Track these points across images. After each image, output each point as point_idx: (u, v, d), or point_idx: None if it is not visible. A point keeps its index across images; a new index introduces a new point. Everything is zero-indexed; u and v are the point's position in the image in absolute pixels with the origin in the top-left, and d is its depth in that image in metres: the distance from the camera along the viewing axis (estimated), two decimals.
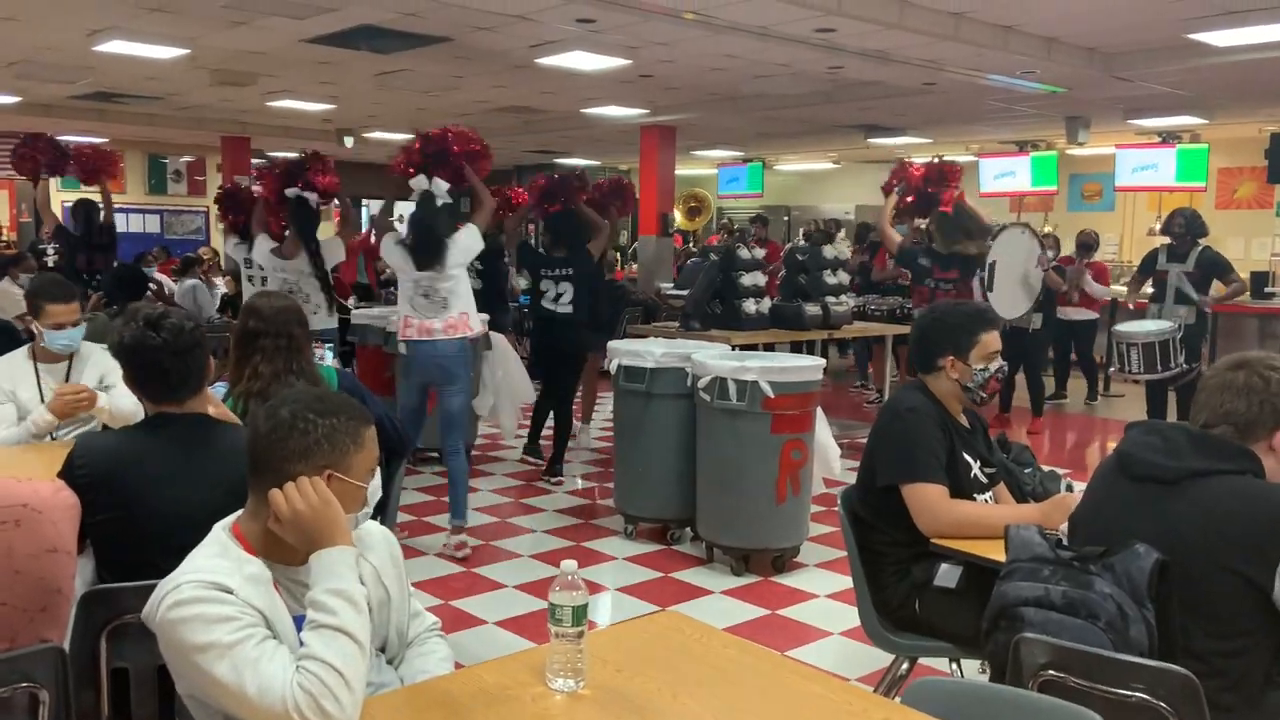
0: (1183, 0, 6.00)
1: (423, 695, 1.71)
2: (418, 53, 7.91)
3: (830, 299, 6.91)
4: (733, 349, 5.30)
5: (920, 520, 2.64)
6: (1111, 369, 7.79)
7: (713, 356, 4.70)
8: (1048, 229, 13.41)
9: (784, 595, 4.40)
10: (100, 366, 3.49)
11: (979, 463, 2.81)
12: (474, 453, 6.74)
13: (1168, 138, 11.15)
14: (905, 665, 2.88)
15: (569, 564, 1.69)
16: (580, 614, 1.66)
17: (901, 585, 2.77)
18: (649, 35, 7.09)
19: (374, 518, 3.16)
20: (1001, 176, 12.45)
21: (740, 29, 6.59)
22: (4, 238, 14.20)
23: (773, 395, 4.44)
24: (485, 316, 6.59)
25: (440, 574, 4.57)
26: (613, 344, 5.17)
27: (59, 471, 2.19)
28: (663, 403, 4.89)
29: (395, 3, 6.36)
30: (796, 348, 6.68)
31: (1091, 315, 9.16)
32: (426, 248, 4.83)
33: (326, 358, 3.27)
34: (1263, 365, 2.00)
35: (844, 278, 7.18)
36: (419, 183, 4.96)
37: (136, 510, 2.13)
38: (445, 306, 4.84)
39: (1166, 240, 7.22)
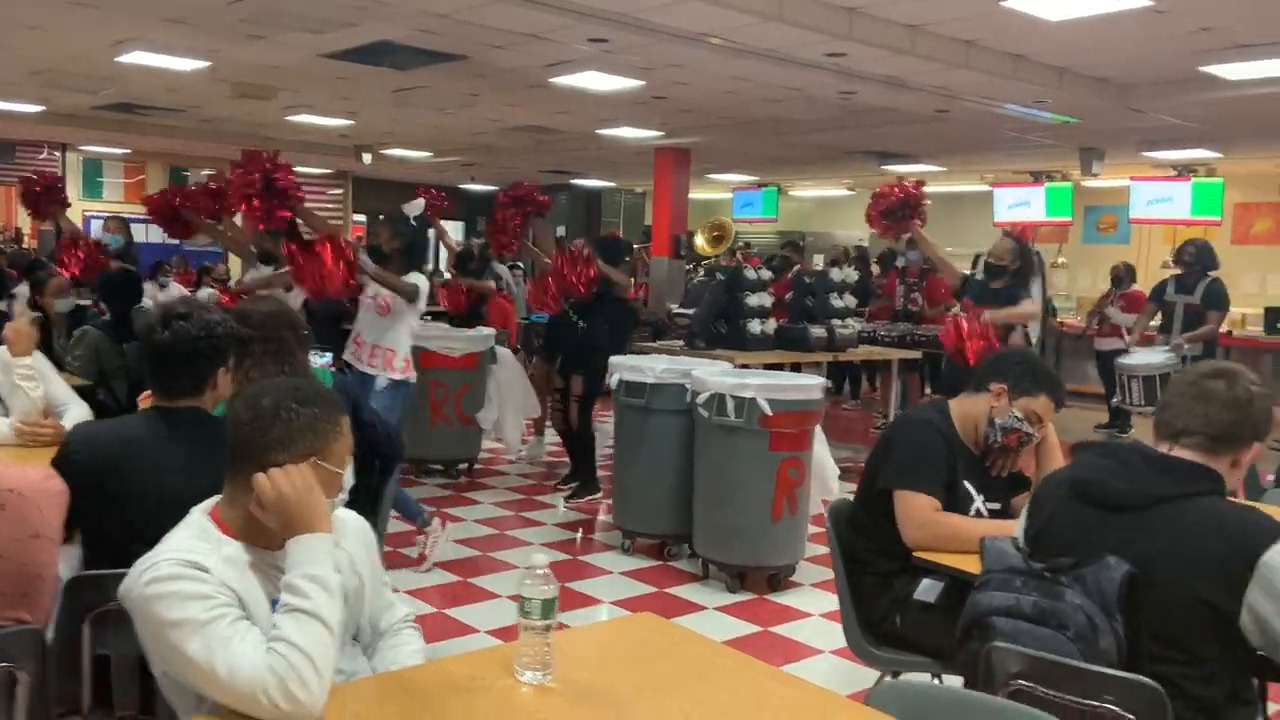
0: (1194, 33, 6.03)
1: (391, 684, 1.73)
2: (434, 70, 8.02)
3: (836, 322, 6.92)
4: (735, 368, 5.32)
5: (905, 529, 2.65)
6: (1114, 400, 7.75)
7: (713, 373, 4.72)
8: (1060, 260, 13.44)
9: (778, 613, 4.39)
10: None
11: (983, 497, 2.79)
12: (476, 466, 6.77)
13: (1183, 171, 11.14)
14: (888, 680, 2.86)
15: (539, 558, 1.71)
16: (548, 607, 1.67)
17: (884, 599, 2.77)
18: (662, 57, 7.17)
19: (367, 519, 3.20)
20: (1016, 206, 12.45)
21: (752, 52, 6.66)
22: (26, 245, 14.36)
23: (771, 413, 4.45)
24: (490, 331, 6.65)
25: (436, 582, 4.58)
26: (614, 359, 5.19)
27: (53, 459, 2.23)
28: (662, 418, 4.91)
29: (412, 19, 6.47)
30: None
31: (1123, 345, 9.21)
32: None
33: (321, 361, 3.30)
34: (1245, 379, 1.98)
35: (850, 301, 7.20)
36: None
37: (128, 498, 2.16)
38: None
39: (1177, 270, 7.21)
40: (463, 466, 6.60)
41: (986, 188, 13.32)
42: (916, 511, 2.65)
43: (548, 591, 1.67)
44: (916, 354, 8.09)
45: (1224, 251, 12.47)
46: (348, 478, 1.76)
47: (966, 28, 6.29)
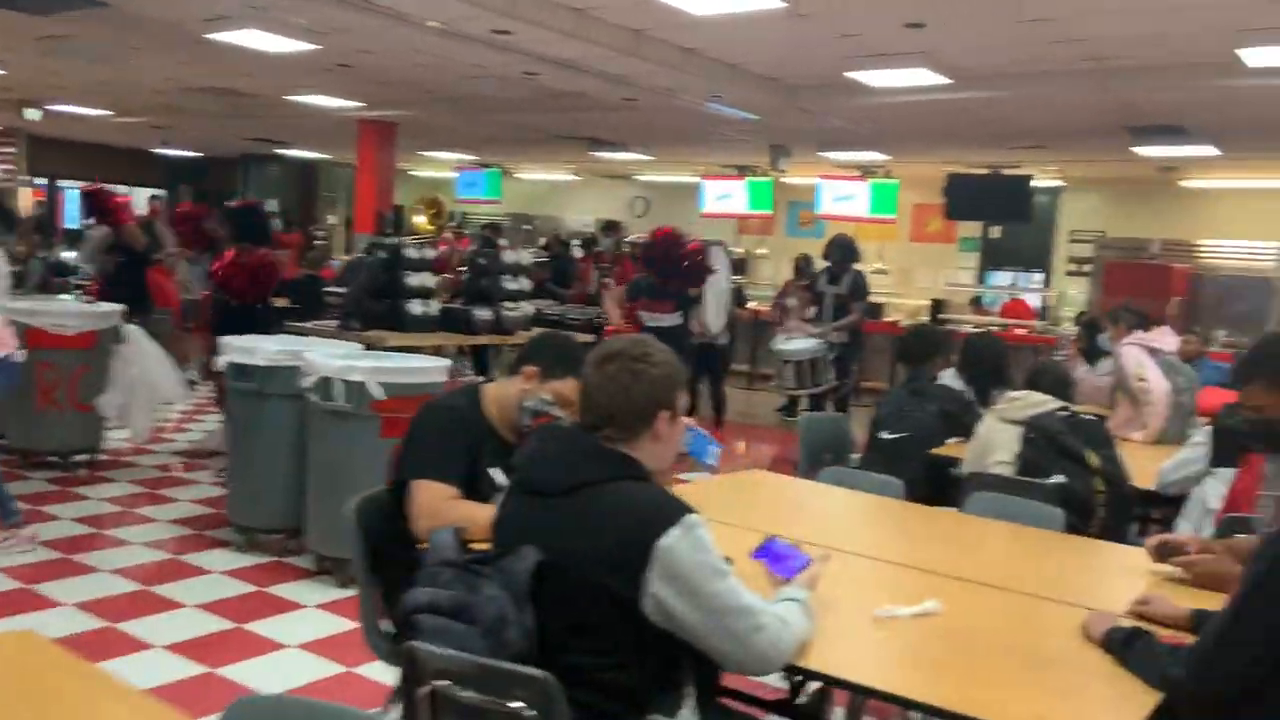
0: (837, 39, 6.37)
1: None
2: (77, 17, 7.19)
3: (506, 304, 6.82)
4: (366, 349, 5.06)
5: (416, 520, 2.53)
6: (771, 383, 8.17)
7: (324, 355, 4.44)
8: (761, 251, 14.12)
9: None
10: None
11: None
12: (103, 457, 6.11)
13: (867, 172, 11.94)
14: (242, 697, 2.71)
15: None
16: None
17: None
18: (327, 20, 6.76)
19: None
20: (721, 198, 12.92)
21: (413, 22, 6.39)
22: None
23: (381, 397, 4.24)
24: (113, 308, 6.01)
25: None
26: (224, 339, 4.80)
27: None
28: (275, 404, 4.58)
29: None
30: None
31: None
32: None
33: None
34: (630, 356, 1.94)
35: (525, 283, 7.12)
36: None
37: None
38: None
39: (827, 263, 7.66)
40: (81, 458, 5.92)
41: (698, 179, 13.77)
42: (427, 501, 2.53)
43: None
44: (589, 337, 8.14)
45: (904, 249, 13.58)
46: None
47: (628, 15, 6.33)
